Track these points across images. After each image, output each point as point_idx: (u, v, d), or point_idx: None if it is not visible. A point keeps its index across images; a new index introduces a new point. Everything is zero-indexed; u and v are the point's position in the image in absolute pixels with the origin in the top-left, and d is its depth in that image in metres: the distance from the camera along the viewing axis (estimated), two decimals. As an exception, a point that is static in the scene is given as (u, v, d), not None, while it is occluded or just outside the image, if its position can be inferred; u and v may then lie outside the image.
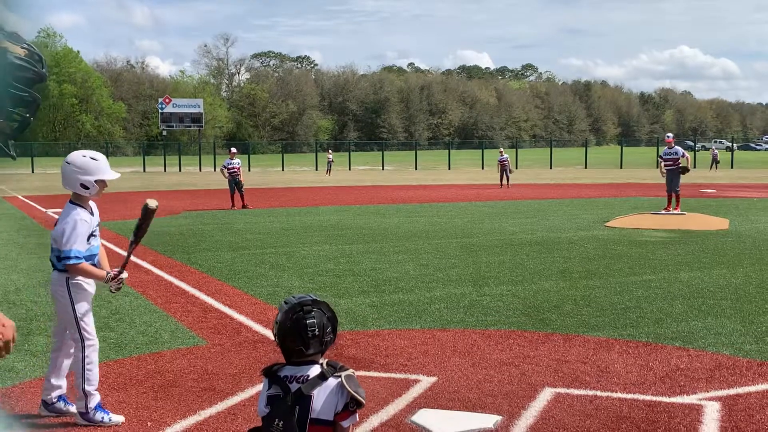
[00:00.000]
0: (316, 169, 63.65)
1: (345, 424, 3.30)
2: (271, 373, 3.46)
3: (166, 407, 6.09)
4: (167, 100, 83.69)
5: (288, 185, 42.90)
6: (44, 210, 24.85)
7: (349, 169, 63.41)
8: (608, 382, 6.61)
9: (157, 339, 8.27)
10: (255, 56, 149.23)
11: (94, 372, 5.82)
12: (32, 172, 55.74)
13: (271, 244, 15.99)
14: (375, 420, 5.73)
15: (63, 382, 5.98)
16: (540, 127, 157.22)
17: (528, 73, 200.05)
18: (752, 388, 6.44)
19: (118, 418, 5.81)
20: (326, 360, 3.46)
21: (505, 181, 36.95)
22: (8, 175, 52.20)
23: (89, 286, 5.90)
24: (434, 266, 12.91)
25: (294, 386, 3.36)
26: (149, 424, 5.77)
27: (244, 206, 25.87)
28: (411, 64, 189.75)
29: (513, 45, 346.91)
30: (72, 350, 5.88)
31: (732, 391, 6.35)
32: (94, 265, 5.87)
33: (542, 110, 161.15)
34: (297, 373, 3.40)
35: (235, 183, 25.97)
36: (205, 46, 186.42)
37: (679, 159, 21.23)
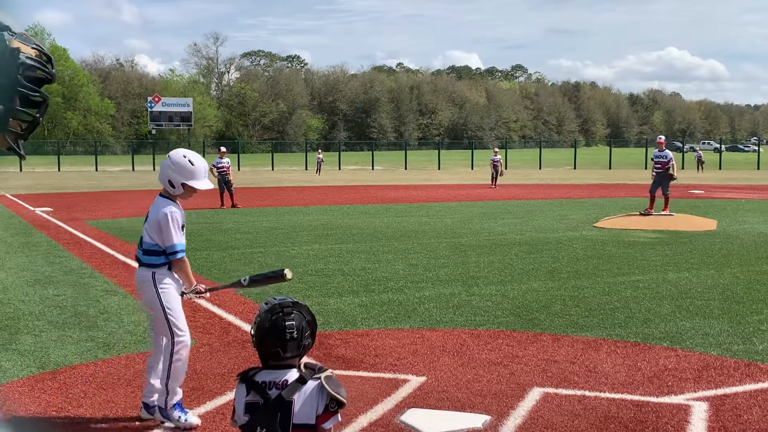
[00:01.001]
0: (306, 169, 63.58)
1: (327, 425, 3.23)
2: (247, 379, 3.40)
3: (155, 407, 6.07)
4: (156, 99, 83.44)
5: (277, 185, 42.84)
6: (32, 209, 24.72)
7: (339, 169, 63.36)
8: (596, 382, 6.63)
9: (146, 338, 8.23)
10: (245, 55, 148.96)
11: (180, 369, 5.68)
12: (20, 170, 55.46)
13: (261, 244, 15.96)
14: (364, 420, 5.73)
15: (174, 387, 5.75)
16: (529, 128, 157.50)
17: (517, 74, 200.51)
18: (739, 389, 6.47)
19: (195, 420, 5.67)
20: (304, 362, 3.39)
21: (495, 180, 37.06)
22: (-4, 174, 51.96)
23: (175, 281, 5.75)
24: (424, 266, 12.92)
25: (273, 392, 3.28)
26: (137, 423, 5.75)
27: (233, 205, 25.83)
28: (400, 64, 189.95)
29: (502, 46, 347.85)
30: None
31: (719, 392, 6.38)
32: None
33: (532, 111, 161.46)
34: (275, 378, 3.33)
35: (224, 182, 25.93)
36: (195, 44, 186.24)
37: (668, 163, 21.08)
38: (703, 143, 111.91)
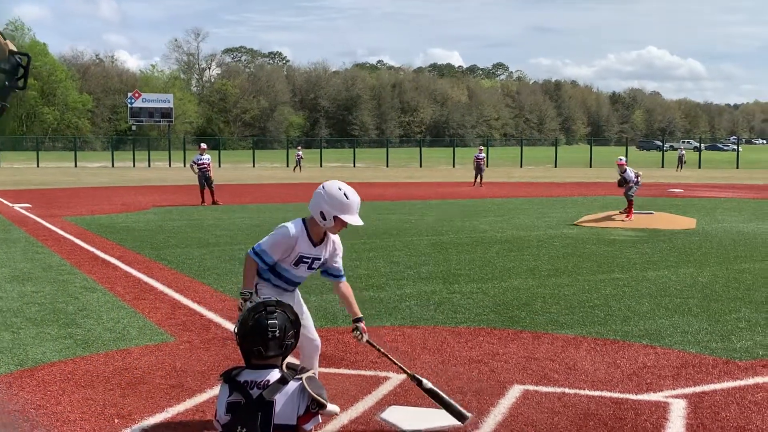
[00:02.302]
0: (287, 166, 63.44)
1: (307, 426, 3.22)
2: (230, 378, 3.38)
3: (134, 404, 6.03)
4: (137, 95, 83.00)
5: (259, 181, 42.71)
6: (10, 205, 24.51)
7: (321, 166, 63.28)
8: (576, 379, 6.66)
9: (125, 335, 8.20)
10: (226, 51, 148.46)
11: None
12: (-2, 166, 54.98)
13: (242, 241, 15.90)
14: (344, 417, 5.72)
15: None
16: (511, 126, 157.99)
17: (499, 72, 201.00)
18: (718, 386, 6.51)
19: (334, 408, 5.62)
20: (286, 363, 3.37)
21: (478, 180, 37.04)
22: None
23: (271, 290, 5.43)
24: (405, 264, 12.93)
25: (255, 392, 3.26)
26: (116, 421, 5.71)
27: (214, 202, 25.73)
28: (380, 61, 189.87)
29: (483, 44, 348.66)
30: None
31: (698, 389, 6.43)
32: (285, 290, 5.49)
33: (513, 109, 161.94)
34: (257, 377, 3.31)
35: (205, 179, 25.84)
36: (176, 40, 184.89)
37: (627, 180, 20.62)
38: (683, 142, 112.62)
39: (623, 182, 20.69)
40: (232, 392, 3.32)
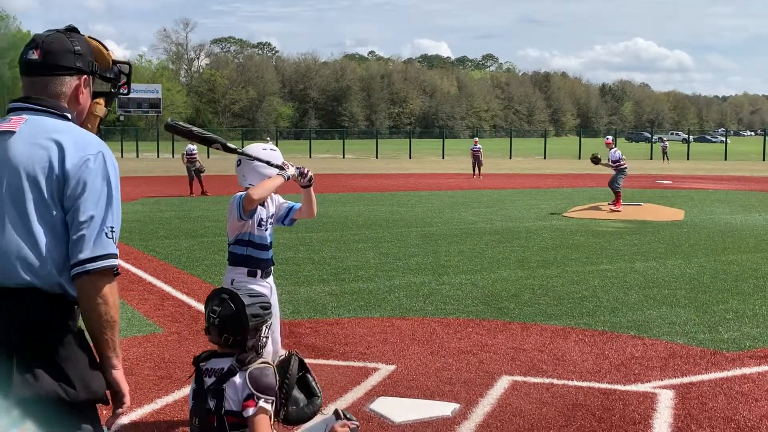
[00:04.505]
0: (277, 157, 63.18)
1: (247, 413, 3.21)
2: (196, 364, 3.42)
3: (122, 396, 6.02)
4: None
5: (248, 172, 42.55)
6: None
7: (310, 157, 63.16)
8: (564, 370, 6.68)
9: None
10: (215, 42, 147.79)
11: None
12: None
13: (230, 232, 15.86)
14: (333, 408, 5.72)
15: None
16: (500, 117, 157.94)
17: (488, 63, 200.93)
18: (705, 377, 6.55)
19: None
20: (237, 354, 3.32)
21: (477, 171, 37.06)
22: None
23: (259, 287, 5.18)
24: (394, 255, 12.93)
25: (209, 380, 3.30)
26: (104, 412, 5.69)
27: (203, 193, 25.67)
28: (372, 52, 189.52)
29: (472, 35, 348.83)
30: None
31: (685, 380, 6.46)
32: (259, 269, 5.37)
33: (502, 100, 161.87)
34: (215, 365, 3.33)
35: (194, 169, 25.76)
36: (164, 30, 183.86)
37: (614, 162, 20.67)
38: (671, 134, 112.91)
39: (596, 161, 20.84)
40: (195, 379, 3.36)
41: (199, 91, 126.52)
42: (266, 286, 5.34)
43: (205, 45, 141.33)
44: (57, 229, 2.62)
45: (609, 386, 6.27)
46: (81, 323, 2.72)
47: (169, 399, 5.95)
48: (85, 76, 2.83)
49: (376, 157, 63.23)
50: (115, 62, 2.98)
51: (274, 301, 5.42)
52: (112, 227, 2.73)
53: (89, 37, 2.91)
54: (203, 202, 23.40)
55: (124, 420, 5.55)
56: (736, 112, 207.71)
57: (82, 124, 2.88)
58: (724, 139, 74.69)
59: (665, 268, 11.79)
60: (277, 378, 3.40)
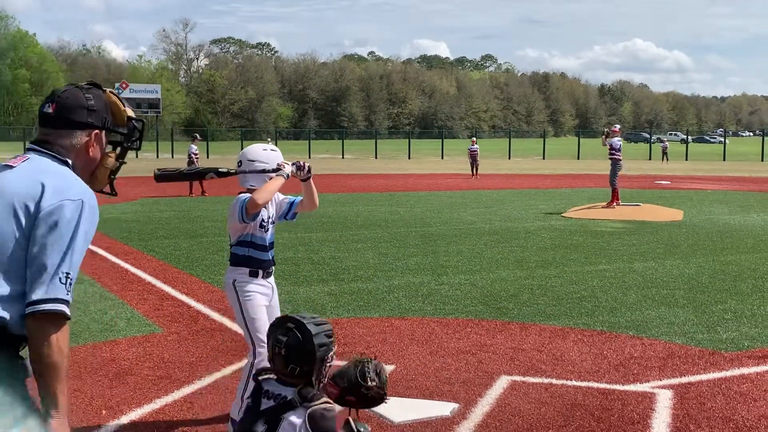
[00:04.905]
0: (276, 157, 63.16)
1: None
2: (257, 380, 3.25)
3: (122, 395, 6.03)
4: (124, 86, 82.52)
5: (247, 173, 42.55)
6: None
7: (309, 158, 63.12)
8: (563, 370, 6.69)
9: (113, 327, 8.18)
10: (214, 42, 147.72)
11: None
12: (-16, 156, 54.69)
13: (230, 232, 15.87)
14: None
15: None
16: (499, 118, 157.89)
17: (487, 64, 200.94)
18: (704, 377, 6.56)
19: None
20: (300, 386, 3.14)
21: (475, 171, 37.14)
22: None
23: (260, 287, 5.31)
24: (393, 255, 12.94)
25: (266, 403, 3.14)
26: (104, 412, 5.70)
27: (202, 193, 25.68)
28: (372, 53, 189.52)
29: (471, 35, 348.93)
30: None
31: (684, 380, 6.47)
32: (261, 268, 5.33)
33: (501, 101, 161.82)
34: (276, 390, 3.16)
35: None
36: (164, 30, 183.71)
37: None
38: (670, 134, 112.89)
39: (608, 134, 21.21)
40: (253, 395, 3.23)
41: (199, 92, 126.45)
42: (267, 286, 5.35)
43: (204, 45, 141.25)
44: (21, 264, 2.66)
45: (608, 386, 6.28)
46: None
47: (168, 399, 5.96)
48: (97, 130, 2.94)
49: (375, 158, 63.22)
50: (130, 118, 3.08)
51: (275, 301, 5.43)
52: (68, 273, 2.73)
53: (110, 91, 3.01)
54: (202, 202, 23.40)
55: (124, 420, 5.56)
56: (734, 113, 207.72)
57: (93, 175, 3.00)
58: (722, 139, 74.70)
59: (664, 268, 11.80)
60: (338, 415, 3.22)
